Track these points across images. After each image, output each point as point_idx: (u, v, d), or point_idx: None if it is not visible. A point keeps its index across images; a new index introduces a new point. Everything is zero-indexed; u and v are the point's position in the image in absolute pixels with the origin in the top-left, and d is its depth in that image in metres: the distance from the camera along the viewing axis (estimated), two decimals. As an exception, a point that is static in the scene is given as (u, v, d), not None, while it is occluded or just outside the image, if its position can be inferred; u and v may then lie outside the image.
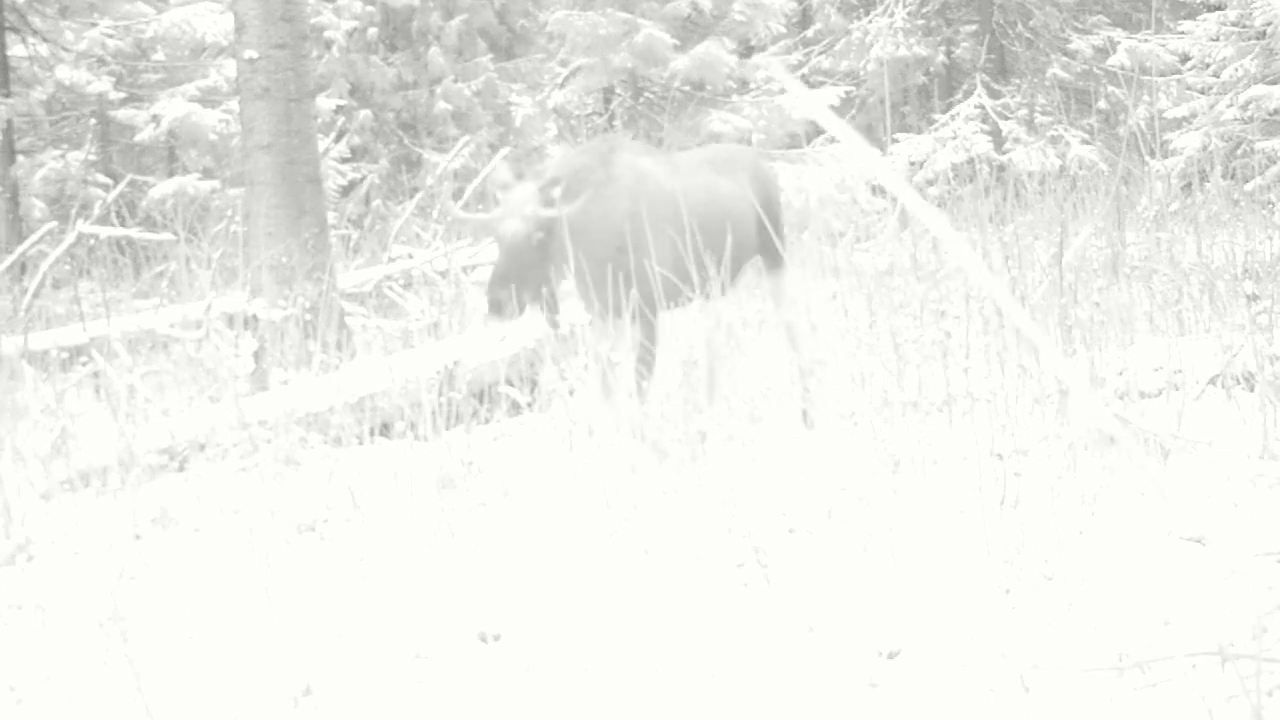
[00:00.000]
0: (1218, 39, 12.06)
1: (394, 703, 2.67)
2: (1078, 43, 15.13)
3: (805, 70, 15.42)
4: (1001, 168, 13.17)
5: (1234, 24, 11.86)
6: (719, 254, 4.35)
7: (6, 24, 10.97)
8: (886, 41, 15.09)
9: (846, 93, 14.01)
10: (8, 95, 10.88)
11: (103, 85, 11.11)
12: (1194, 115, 12.30)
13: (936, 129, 14.71)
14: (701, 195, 4.53)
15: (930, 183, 13.30)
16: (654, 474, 3.96)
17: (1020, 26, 15.40)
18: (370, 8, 12.32)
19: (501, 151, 9.21)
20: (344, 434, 4.78)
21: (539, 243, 4.05)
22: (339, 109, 11.86)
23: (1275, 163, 11.13)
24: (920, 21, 15.57)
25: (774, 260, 4.92)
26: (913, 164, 14.07)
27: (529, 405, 5.48)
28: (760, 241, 4.80)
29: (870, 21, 15.41)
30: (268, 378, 5.72)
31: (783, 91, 13.40)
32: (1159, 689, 2.45)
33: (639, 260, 4.24)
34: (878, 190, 11.89)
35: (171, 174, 12.29)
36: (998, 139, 14.54)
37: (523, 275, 4.02)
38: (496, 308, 3.98)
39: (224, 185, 11.33)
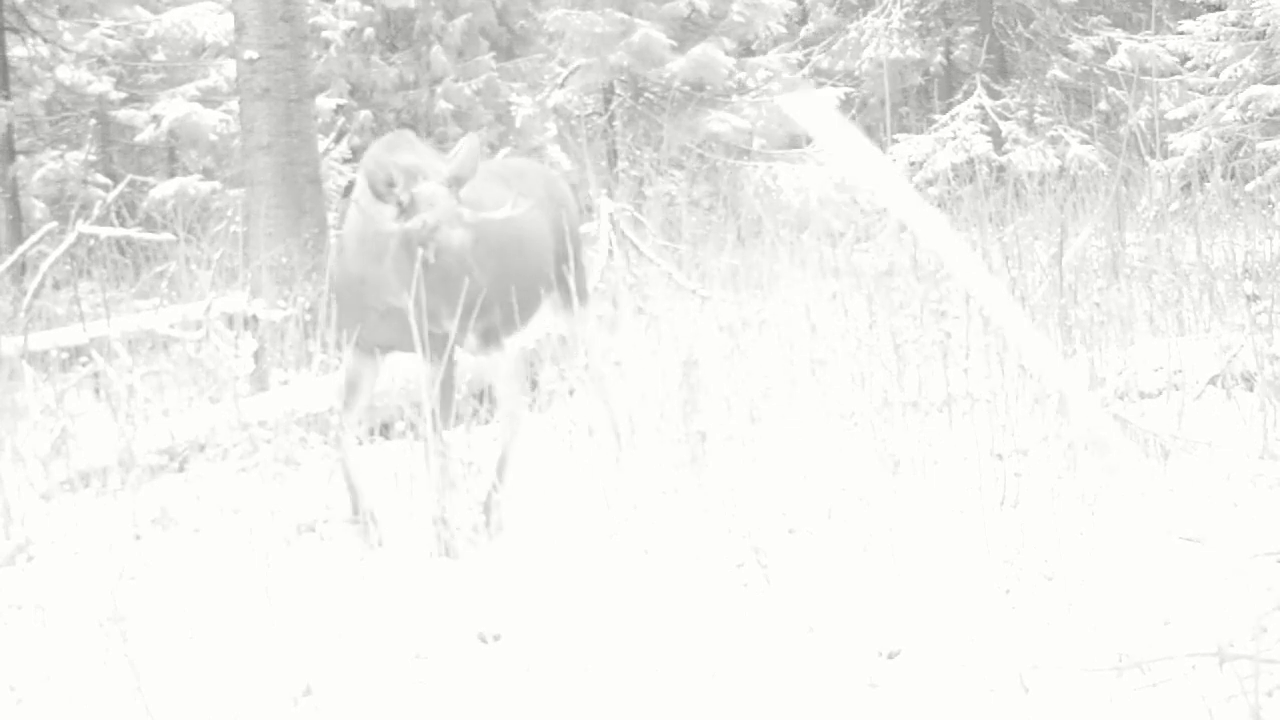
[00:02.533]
0: (1218, 39, 12.06)
1: (394, 703, 2.68)
2: (1078, 43, 15.13)
3: (805, 71, 15.42)
4: (1001, 168, 13.17)
5: (1234, 24, 11.85)
6: (512, 283, 3.74)
7: (6, 24, 10.97)
8: (883, 42, 15.10)
9: (846, 93, 14.01)
10: (8, 96, 10.87)
11: (103, 85, 11.11)
12: (1194, 116, 12.30)
13: (936, 129, 14.71)
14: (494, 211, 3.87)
15: (930, 183, 13.30)
16: (654, 473, 3.96)
17: (1020, 27, 15.40)
18: (369, 8, 12.31)
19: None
20: (343, 435, 4.77)
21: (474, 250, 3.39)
22: (339, 109, 11.86)
23: (1275, 163, 11.13)
24: (919, 22, 15.57)
25: (571, 297, 4.27)
26: (912, 164, 14.07)
27: (529, 405, 5.48)
28: (560, 273, 4.18)
29: (868, 22, 15.42)
30: (268, 378, 5.72)
31: (782, 92, 13.40)
32: (1159, 689, 2.45)
33: (457, 286, 3.47)
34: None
35: (172, 174, 12.29)
36: (997, 139, 14.55)
37: (477, 290, 3.37)
38: (493, 337, 3.45)
39: (224, 186, 11.33)
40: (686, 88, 12.55)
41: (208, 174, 11.94)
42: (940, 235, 1.14)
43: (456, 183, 3.38)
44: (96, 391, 5.69)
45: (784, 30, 14.71)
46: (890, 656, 2.71)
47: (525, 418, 4.35)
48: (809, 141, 12.69)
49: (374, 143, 3.72)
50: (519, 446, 4.04)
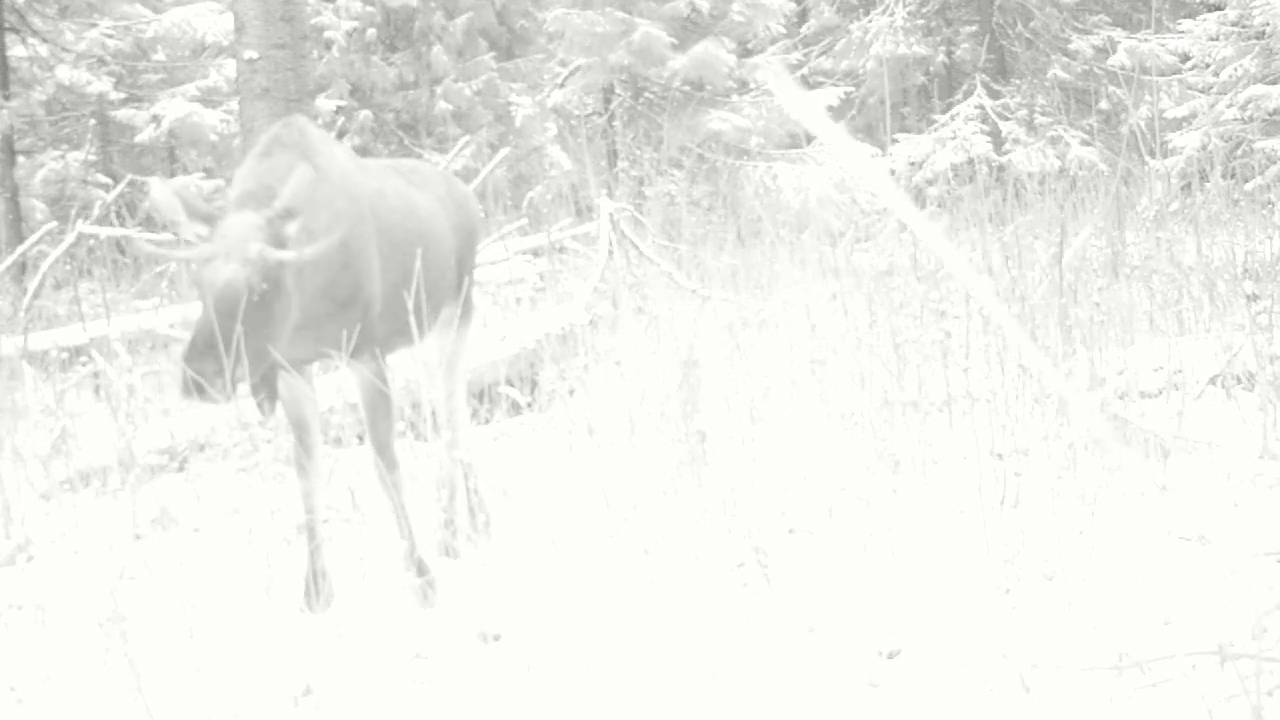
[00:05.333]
0: (1217, 39, 12.05)
1: (394, 703, 2.68)
2: (1078, 43, 15.13)
3: (805, 70, 15.41)
4: (1001, 168, 13.17)
5: (1234, 24, 11.85)
6: (408, 288, 3.39)
7: (6, 24, 10.97)
8: (886, 41, 15.09)
9: (846, 93, 14.00)
10: (8, 97, 10.87)
11: (103, 85, 11.11)
12: (1194, 115, 12.30)
13: (936, 129, 14.70)
14: (397, 204, 3.50)
15: (930, 183, 13.30)
16: (654, 473, 3.96)
17: (1020, 27, 15.39)
18: (370, 8, 12.32)
19: (501, 152, 9.22)
20: (344, 434, 4.78)
21: (262, 297, 2.88)
22: (339, 109, 11.86)
23: (1275, 163, 11.13)
24: (920, 22, 15.57)
25: (463, 305, 3.94)
26: (912, 164, 14.07)
27: (529, 405, 5.48)
28: (459, 276, 3.85)
29: (870, 21, 15.41)
30: (267, 378, 5.71)
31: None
32: (1159, 689, 2.45)
33: (362, 283, 3.23)
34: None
35: (172, 174, 12.29)
36: (997, 139, 14.54)
37: (237, 342, 2.84)
38: (194, 388, 2.79)
39: (225, 185, 11.32)
40: (687, 87, 12.55)
41: (208, 174, 11.94)
42: (927, 230, 1.14)
43: (287, 215, 2.96)
44: (96, 391, 5.69)
45: (784, 30, 14.71)
46: (890, 656, 2.71)
47: (468, 424, 4.12)
48: (809, 141, 12.69)
49: (265, 135, 3.34)
50: (473, 452, 3.97)
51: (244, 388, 2.94)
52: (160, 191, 3.01)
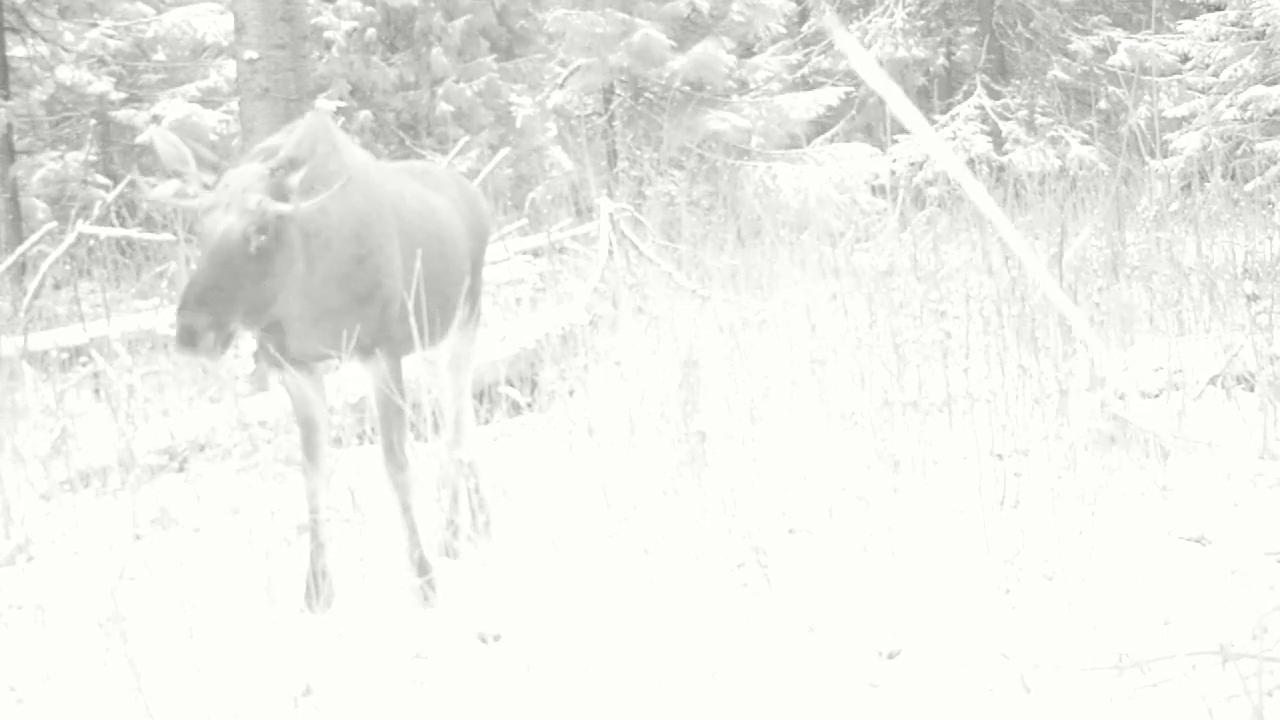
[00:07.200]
0: (1217, 39, 12.06)
1: (394, 703, 2.68)
2: (1078, 43, 15.13)
3: (805, 70, 15.41)
4: (1001, 168, 13.17)
5: (1234, 24, 11.85)
6: (436, 286, 3.40)
7: (6, 24, 10.96)
8: (886, 42, 15.10)
9: (846, 93, 14.00)
10: (8, 96, 10.87)
11: (103, 86, 11.10)
12: (1194, 115, 12.30)
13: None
14: (416, 205, 3.47)
15: (930, 183, 13.29)
16: (654, 473, 3.96)
17: (1020, 27, 15.40)
18: (370, 8, 12.31)
19: (502, 152, 9.21)
20: (344, 434, 4.78)
21: (260, 250, 2.83)
22: (339, 110, 11.86)
23: (1275, 163, 11.12)
24: (920, 22, 15.58)
25: (472, 306, 3.92)
26: (912, 165, 14.07)
27: (529, 405, 5.48)
28: (472, 278, 3.82)
29: (869, 22, 15.42)
30: (268, 378, 5.72)
31: (782, 91, 13.40)
32: (1159, 689, 2.45)
33: (381, 280, 3.20)
34: (877, 190, 11.89)
35: (172, 174, 12.26)
36: (998, 140, 14.55)
37: (232, 294, 2.77)
38: (189, 337, 2.71)
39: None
40: (686, 88, 12.54)
41: (208, 173, 11.89)
42: (980, 196, 1.14)
43: (292, 165, 2.92)
44: (96, 391, 5.69)
45: (784, 30, 14.70)
46: (890, 656, 2.71)
47: (471, 424, 4.12)
48: (809, 142, 12.68)
49: (294, 123, 3.32)
50: (476, 450, 3.98)
51: (235, 342, 2.87)
52: (163, 138, 3.00)
